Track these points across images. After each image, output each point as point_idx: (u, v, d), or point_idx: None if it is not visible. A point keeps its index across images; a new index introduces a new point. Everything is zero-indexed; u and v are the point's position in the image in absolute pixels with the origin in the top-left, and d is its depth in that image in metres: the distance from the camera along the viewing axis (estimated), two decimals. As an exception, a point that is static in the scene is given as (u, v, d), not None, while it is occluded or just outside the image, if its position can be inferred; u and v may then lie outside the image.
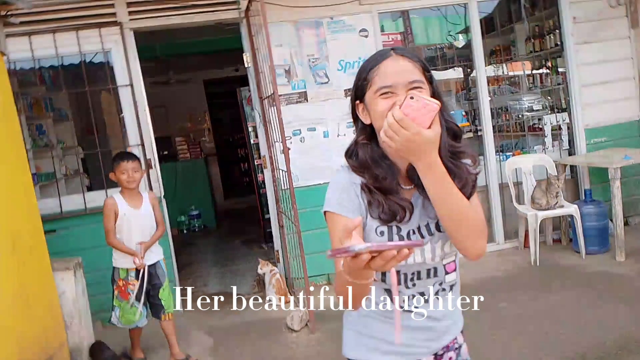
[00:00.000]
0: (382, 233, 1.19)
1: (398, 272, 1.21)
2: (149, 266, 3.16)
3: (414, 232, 1.20)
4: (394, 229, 1.19)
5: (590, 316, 3.20)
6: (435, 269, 1.24)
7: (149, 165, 3.94)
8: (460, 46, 5.60)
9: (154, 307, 3.22)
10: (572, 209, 4.21)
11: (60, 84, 4.16)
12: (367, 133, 1.20)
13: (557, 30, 4.91)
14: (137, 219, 3.13)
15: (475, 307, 3.42)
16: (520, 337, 3.05)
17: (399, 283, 1.22)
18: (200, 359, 3.29)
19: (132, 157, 3.19)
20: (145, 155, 3.95)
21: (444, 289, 1.26)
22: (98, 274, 3.87)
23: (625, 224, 4.27)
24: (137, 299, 3.13)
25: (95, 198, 3.98)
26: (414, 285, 1.23)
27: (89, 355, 3.22)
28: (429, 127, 1.02)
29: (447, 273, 1.26)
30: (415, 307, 1.24)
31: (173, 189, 6.83)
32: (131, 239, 3.12)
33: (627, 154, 4.26)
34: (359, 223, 0.92)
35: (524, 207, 4.42)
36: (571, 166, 4.80)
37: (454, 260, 1.28)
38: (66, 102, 5.79)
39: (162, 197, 4.03)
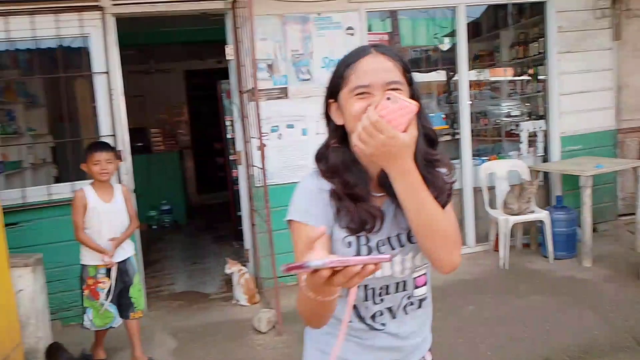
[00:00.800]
0: (349, 244, 1.12)
1: (365, 287, 1.15)
2: (119, 263, 3.02)
3: (383, 243, 1.13)
4: (362, 239, 1.12)
5: (556, 320, 3.25)
6: (405, 282, 1.18)
7: (119, 158, 3.84)
8: (445, 49, 5.62)
9: (123, 306, 3.08)
10: (543, 215, 4.27)
11: (35, 68, 4.02)
12: (339, 135, 1.13)
13: (542, 39, 4.96)
14: (108, 214, 2.98)
15: (444, 310, 3.45)
16: (487, 341, 3.08)
17: (366, 299, 1.16)
18: (163, 361, 3.20)
19: (107, 147, 3.04)
20: (116, 146, 3.84)
21: (412, 304, 1.20)
22: (60, 270, 3.78)
23: (594, 230, 4.35)
24: (108, 298, 2.99)
25: (62, 190, 3.85)
26: (382, 300, 1.17)
27: (45, 358, 3.08)
28: (405, 131, 0.96)
29: (416, 287, 1.20)
30: (382, 325, 1.18)
31: (145, 182, 6.68)
32: (101, 234, 2.97)
33: (600, 163, 4.34)
34: (322, 233, 0.87)
35: (496, 212, 4.46)
36: (544, 172, 4.87)
37: (425, 274, 1.21)
38: (40, 87, 5.63)
39: (132, 190, 3.92)
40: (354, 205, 1.09)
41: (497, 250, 4.39)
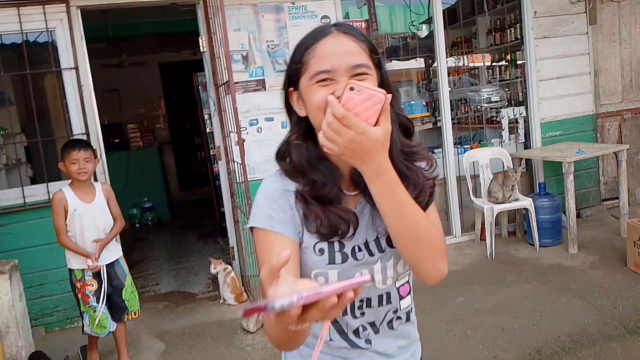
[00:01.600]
0: (321, 251, 0.99)
1: None
2: (107, 265, 2.92)
3: (360, 249, 1.00)
4: (336, 245, 0.99)
5: (545, 309, 3.24)
6: (389, 293, 1.05)
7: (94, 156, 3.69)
8: (422, 36, 5.59)
9: (115, 309, 2.98)
10: (526, 203, 4.26)
11: (0, 64, 3.84)
12: (303, 128, 1.00)
13: (518, 24, 4.96)
14: (90, 215, 2.85)
15: (433, 303, 3.42)
16: (478, 332, 3.06)
17: (344, 313, 1.03)
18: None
19: (84, 145, 2.90)
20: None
21: (399, 318, 1.08)
22: (40, 275, 3.69)
23: (577, 216, 4.35)
24: (99, 301, 2.87)
25: (36, 192, 3.71)
26: (362, 314, 1.04)
27: (28, 366, 2.98)
28: (376, 124, 0.83)
29: (401, 298, 1.07)
30: (367, 342, 1.06)
31: (124, 180, 6.53)
32: (84, 237, 2.84)
33: (581, 149, 4.34)
34: (286, 260, 0.69)
35: (481, 200, 4.45)
36: (526, 159, 4.87)
37: (408, 282, 1.09)
38: (9, 84, 5.41)
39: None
40: (322, 208, 0.96)
41: (484, 240, 4.38)
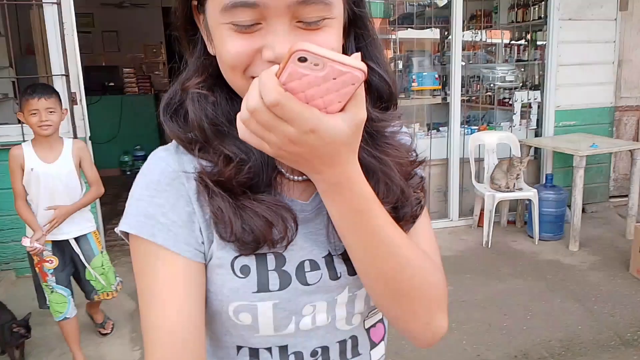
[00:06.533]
0: (244, 270, 0.59)
1: (282, 350, 0.64)
2: (70, 241, 2.47)
3: (314, 266, 0.62)
4: (270, 260, 0.60)
5: (537, 309, 3.06)
6: (354, 339, 0.67)
7: (73, 100, 3.43)
8: (440, 5, 5.28)
9: (83, 289, 2.63)
10: (531, 194, 4.03)
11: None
12: (212, 69, 0.60)
13: (543, 2, 4.65)
14: (49, 177, 2.35)
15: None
16: (463, 327, 2.88)
17: None
18: (117, 323, 2.99)
19: (47, 91, 2.33)
20: (70, 88, 3.43)
21: None
22: (13, 218, 3.50)
23: (582, 211, 4.15)
24: (58, 282, 2.42)
25: (10, 132, 3.47)
26: None
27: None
28: (342, 110, 0.47)
29: (373, 345, 0.70)
30: None
31: (116, 125, 6.30)
32: (39, 203, 2.37)
33: (595, 142, 4.09)
34: None
35: (482, 186, 4.22)
36: (535, 147, 4.62)
37: (382, 320, 0.72)
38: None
39: (87, 138, 3.53)
40: (235, 203, 0.57)
41: (481, 226, 4.18)
